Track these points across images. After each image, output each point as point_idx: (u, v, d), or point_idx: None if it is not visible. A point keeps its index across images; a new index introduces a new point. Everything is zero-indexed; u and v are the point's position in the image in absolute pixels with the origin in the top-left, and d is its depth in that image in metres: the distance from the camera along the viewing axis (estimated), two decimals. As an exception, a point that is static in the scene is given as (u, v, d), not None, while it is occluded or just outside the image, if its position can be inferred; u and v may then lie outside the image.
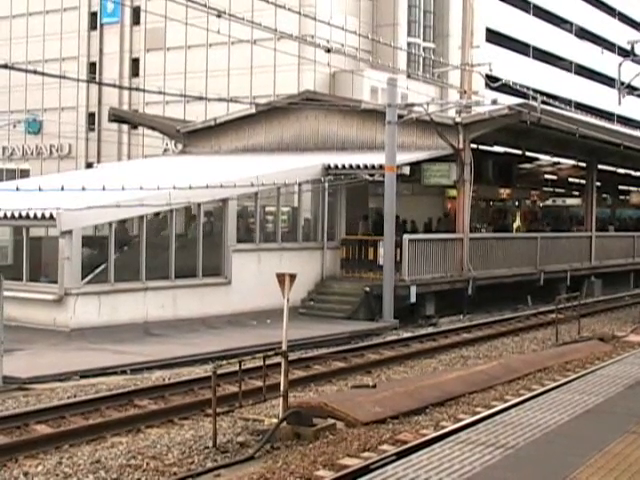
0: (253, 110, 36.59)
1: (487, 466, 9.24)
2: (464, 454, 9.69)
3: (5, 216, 24.32)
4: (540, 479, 8.81)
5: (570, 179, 49.64)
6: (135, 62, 65.29)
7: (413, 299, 29.51)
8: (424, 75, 55.46)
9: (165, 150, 54.32)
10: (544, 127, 32.31)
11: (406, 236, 30.28)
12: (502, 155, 38.55)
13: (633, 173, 46.97)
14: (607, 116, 67.66)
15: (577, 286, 36.63)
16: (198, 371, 19.75)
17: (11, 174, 53.05)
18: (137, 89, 54.92)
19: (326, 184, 29.96)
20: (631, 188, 56.63)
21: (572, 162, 44.83)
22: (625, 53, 40.13)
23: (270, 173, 28.19)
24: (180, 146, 40.06)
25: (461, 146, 31.83)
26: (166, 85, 50.49)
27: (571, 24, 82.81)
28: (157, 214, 26.16)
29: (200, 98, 46.07)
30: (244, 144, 36.95)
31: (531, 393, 16.97)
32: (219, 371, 14.35)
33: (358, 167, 30.37)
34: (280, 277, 14.71)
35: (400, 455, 11.64)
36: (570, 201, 59.80)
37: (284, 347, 14.52)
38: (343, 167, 30.56)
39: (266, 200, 29.90)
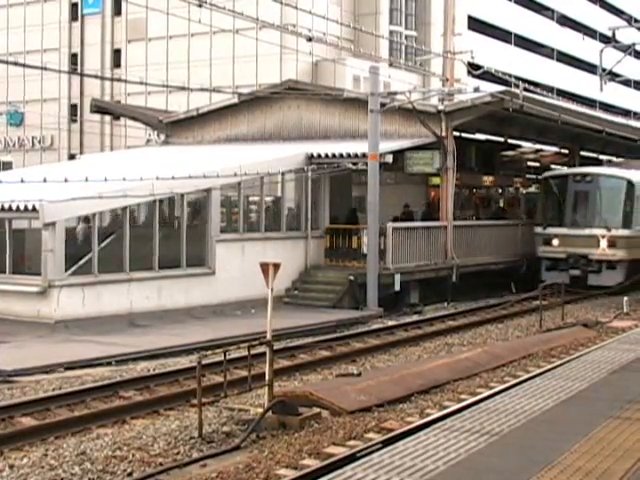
0: (235, 100, 36.54)
1: (472, 453, 9.27)
2: (449, 441, 9.71)
3: (-13, 208, 24.22)
4: (525, 465, 8.84)
5: (553, 166, 49.72)
6: (117, 53, 65.04)
7: (397, 287, 29.56)
8: (406, 63, 55.44)
9: (148, 141, 54.07)
10: (526, 114, 32.37)
11: (390, 224, 30.31)
12: (485, 143, 38.59)
13: (615, 159, 47.01)
14: (589, 103, 67.75)
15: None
16: (183, 361, 19.74)
17: (-7, 166, 52.85)
18: (119, 80, 54.66)
19: (309, 173, 29.98)
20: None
21: (555, 149, 44.91)
22: (606, 40, 40.19)
23: (253, 163, 28.16)
24: (163, 137, 39.96)
25: (444, 134, 31.87)
26: (148, 76, 50.40)
27: (552, 11, 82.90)
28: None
29: (182, 88, 45.95)
30: (227, 134, 36.90)
31: (516, 380, 17.02)
32: (204, 361, 14.35)
33: (341, 156, 30.37)
34: (264, 267, 14.71)
35: (386, 443, 11.68)
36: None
37: (269, 336, 14.53)
38: (326, 156, 30.54)
39: (249, 190, 29.87)
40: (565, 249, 34.16)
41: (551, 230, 34.85)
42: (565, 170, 38.60)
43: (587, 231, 34.01)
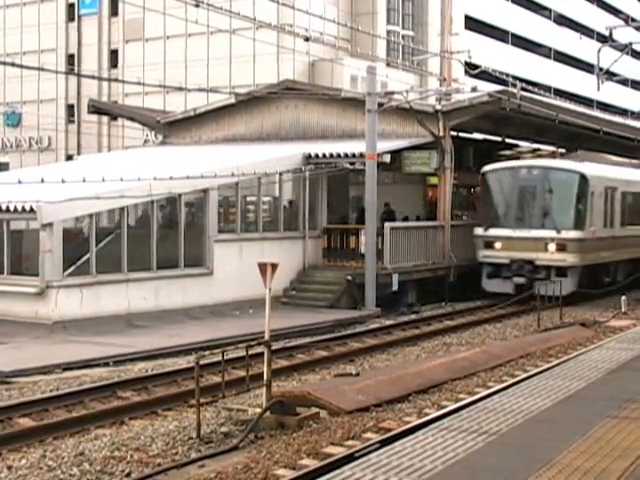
0: (233, 100, 36.55)
1: (470, 452, 9.27)
2: (447, 441, 9.72)
3: (-15, 210, 24.21)
4: (523, 464, 8.84)
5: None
6: (114, 53, 65.01)
7: (395, 287, 29.58)
8: (404, 63, 55.41)
9: (145, 141, 54.14)
10: (524, 114, 32.40)
11: (387, 224, 30.33)
12: (482, 142, 38.60)
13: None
14: (586, 102, 67.76)
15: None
16: (181, 362, 19.74)
17: (-9, 167, 52.82)
18: (116, 80, 54.73)
19: (307, 173, 29.99)
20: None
21: (552, 148, 44.91)
22: (604, 39, 40.23)
23: (251, 163, 28.16)
24: (160, 137, 39.96)
25: (441, 134, 31.90)
26: (145, 76, 50.32)
27: (550, 10, 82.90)
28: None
29: (180, 89, 45.94)
30: (224, 134, 36.90)
31: (513, 379, 17.04)
32: (202, 361, 14.36)
33: (339, 156, 30.38)
34: (262, 267, 14.71)
35: (384, 443, 11.68)
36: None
37: (267, 337, 14.53)
38: (324, 156, 30.56)
39: (247, 190, 29.87)
40: (509, 253, 30.51)
41: (493, 232, 31.03)
42: (509, 163, 33.67)
43: (533, 233, 30.27)
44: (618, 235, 33.42)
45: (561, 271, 29.95)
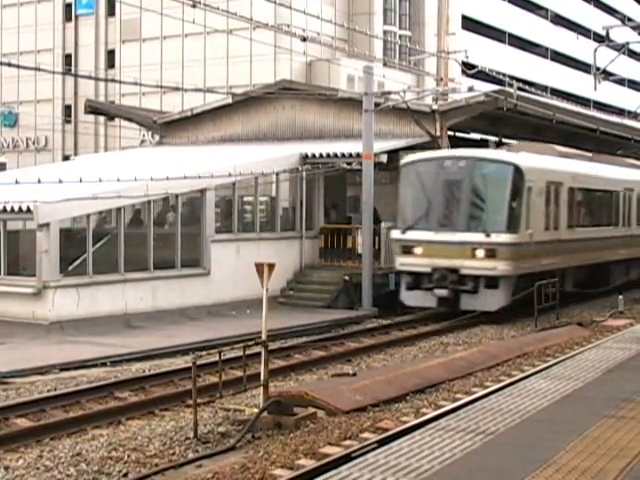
0: (230, 100, 36.55)
1: (467, 452, 9.28)
2: (444, 441, 9.72)
3: (-18, 210, 24.19)
4: (520, 464, 8.85)
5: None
6: (111, 53, 64.94)
7: (392, 287, 29.54)
8: (400, 63, 55.42)
9: (142, 141, 54.12)
10: (521, 113, 32.41)
11: (384, 224, 30.31)
12: (479, 142, 38.59)
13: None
14: (583, 102, 67.73)
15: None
16: (178, 362, 19.73)
17: (-13, 168, 52.73)
18: (113, 80, 54.65)
19: (304, 173, 29.98)
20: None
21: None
22: (600, 39, 40.26)
23: (248, 163, 28.15)
24: (157, 137, 39.96)
25: (438, 133, 31.89)
26: (142, 76, 50.22)
27: (546, 10, 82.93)
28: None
29: (176, 89, 45.90)
30: (221, 134, 36.89)
31: (511, 379, 17.03)
32: (199, 362, 14.37)
33: (335, 156, 30.38)
34: (259, 267, 14.71)
35: (381, 443, 11.68)
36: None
37: (264, 337, 14.52)
38: (320, 156, 30.56)
39: (244, 190, 29.87)
40: (430, 261, 26.07)
41: (412, 235, 26.64)
42: (431, 152, 28.98)
43: (459, 236, 25.78)
44: (565, 238, 29.30)
45: (491, 281, 25.85)
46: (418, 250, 26.34)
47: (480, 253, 25.61)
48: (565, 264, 29.24)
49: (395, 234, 27.35)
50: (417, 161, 27.73)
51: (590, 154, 36.01)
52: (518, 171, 26.33)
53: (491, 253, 25.55)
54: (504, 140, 37.27)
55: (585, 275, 31.59)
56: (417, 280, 26.63)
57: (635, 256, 35.75)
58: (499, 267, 25.67)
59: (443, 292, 25.93)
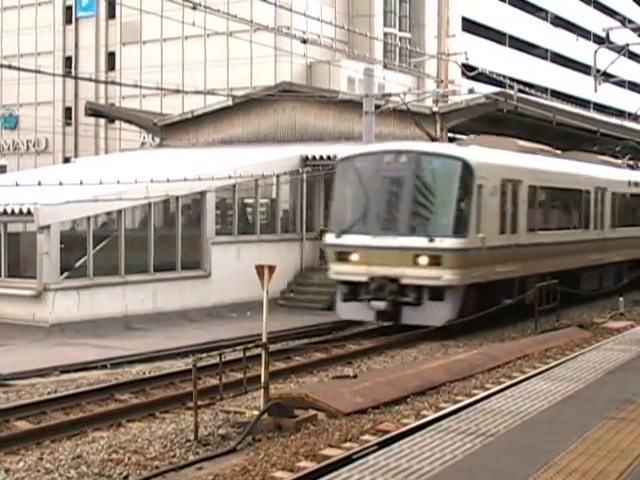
0: (230, 102, 36.59)
1: (468, 454, 9.26)
2: (445, 443, 9.71)
3: (-18, 212, 24.22)
4: (521, 466, 8.84)
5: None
6: (111, 56, 65.01)
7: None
8: (401, 65, 55.51)
9: (143, 144, 54.18)
10: (521, 115, 32.43)
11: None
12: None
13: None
14: (583, 103, 67.76)
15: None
16: (179, 364, 19.72)
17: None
18: (113, 83, 54.65)
19: (304, 175, 29.98)
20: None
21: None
22: (600, 40, 40.31)
23: (248, 165, 28.17)
24: (157, 139, 39.99)
25: (438, 135, 31.90)
26: (142, 78, 50.28)
27: (546, 12, 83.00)
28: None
29: (177, 91, 45.97)
30: (222, 136, 36.91)
31: (511, 381, 17.02)
32: (200, 364, 14.35)
33: (336, 158, 30.33)
34: (259, 269, 14.70)
35: (382, 445, 11.67)
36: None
37: (264, 339, 14.52)
38: (321, 158, 30.58)
39: (244, 192, 29.89)
40: (368, 269, 23.03)
41: (348, 239, 23.71)
42: (370, 146, 26.20)
43: (399, 241, 22.87)
44: (524, 243, 26.22)
45: (436, 292, 22.98)
46: (354, 257, 23.49)
47: (423, 260, 22.73)
48: (525, 272, 26.16)
49: (329, 238, 24.41)
50: (354, 156, 24.83)
51: (559, 151, 33.76)
52: (466, 167, 23.37)
53: (435, 260, 22.64)
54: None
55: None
56: (354, 290, 23.77)
57: (609, 261, 33.02)
58: (445, 276, 22.72)
59: (381, 304, 23.05)
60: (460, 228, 23.06)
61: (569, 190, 30.50)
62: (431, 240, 22.61)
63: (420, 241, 22.73)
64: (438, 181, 23.72)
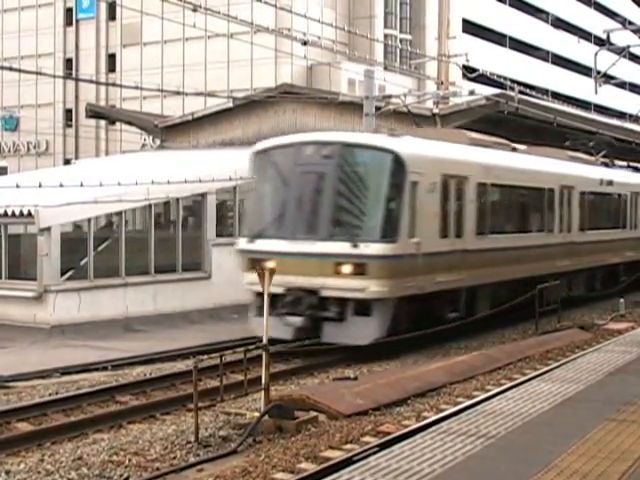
0: (231, 104, 36.59)
1: (469, 456, 9.27)
2: (446, 444, 9.71)
3: (-17, 214, 24.23)
4: (522, 467, 8.84)
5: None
6: (112, 57, 65.13)
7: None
8: (401, 67, 55.53)
9: (143, 145, 54.24)
10: (521, 117, 32.44)
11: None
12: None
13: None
14: (584, 105, 67.85)
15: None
16: (179, 366, 19.71)
17: (-12, 172, 52.82)
18: (114, 84, 54.75)
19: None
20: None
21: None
22: (601, 42, 40.35)
23: (248, 167, 28.13)
24: (158, 141, 40.01)
25: (439, 136, 31.86)
26: (143, 80, 50.31)
27: (547, 14, 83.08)
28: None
29: (177, 93, 45.89)
30: (222, 138, 36.91)
31: (512, 382, 17.02)
32: (200, 365, 14.35)
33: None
34: (260, 270, 14.71)
35: (382, 446, 11.67)
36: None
37: (265, 340, 14.52)
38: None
39: (245, 194, 29.85)
40: (284, 279, 18.96)
41: (262, 245, 20.74)
42: (289, 138, 22.65)
43: (319, 247, 19.86)
44: (472, 249, 23.14)
45: (361, 306, 19.84)
46: (270, 265, 18.76)
47: (346, 269, 19.71)
48: (474, 281, 23.21)
49: (241, 244, 21.58)
50: (270, 148, 21.92)
51: (524, 145, 30.22)
52: (397, 160, 20.32)
53: (360, 269, 19.56)
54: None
55: (508, 294, 25.09)
56: (270, 303, 18.28)
57: (578, 268, 29.91)
58: (371, 287, 19.55)
59: (297, 320, 20.05)
60: (389, 231, 19.99)
61: (528, 188, 27.32)
62: (355, 245, 19.63)
63: (342, 247, 19.74)
64: (364, 177, 20.67)
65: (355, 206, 20.48)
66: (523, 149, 29.37)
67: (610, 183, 33.24)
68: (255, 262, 19.55)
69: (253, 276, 17.89)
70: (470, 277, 22.81)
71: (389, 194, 20.28)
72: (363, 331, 19.44)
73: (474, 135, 26.50)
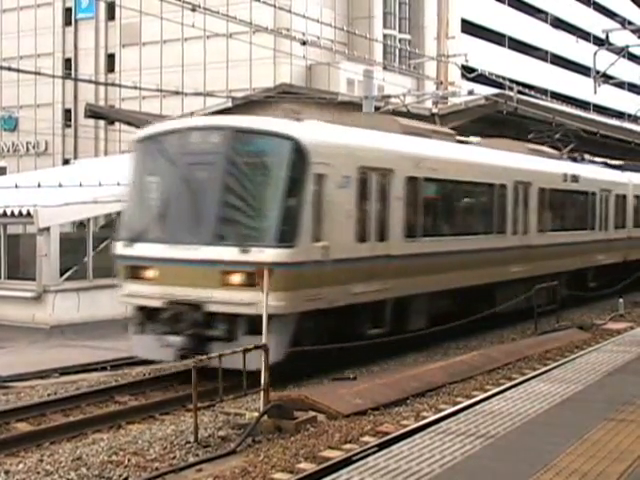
0: (230, 104, 36.57)
1: (468, 456, 9.27)
2: (445, 444, 9.71)
3: (-18, 214, 24.23)
4: (521, 467, 8.84)
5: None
6: (111, 57, 65.13)
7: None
8: (400, 67, 55.53)
9: (142, 145, 54.12)
10: (520, 117, 32.43)
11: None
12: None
13: (609, 161, 47.09)
14: (583, 105, 67.89)
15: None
16: (178, 366, 19.70)
17: (-12, 172, 52.82)
18: (113, 84, 54.76)
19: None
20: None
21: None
22: (600, 42, 40.34)
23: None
24: (157, 141, 39.94)
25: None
26: (142, 80, 50.41)
27: (546, 14, 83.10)
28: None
29: (176, 93, 45.96)
30: (221, 138, 36.85)
31: (511, 382, 17.01)
32: (200, 365, 14.34)
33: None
34: (258, 271, 14.69)
35: (381, 446, 11.67)
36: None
37: (264, 340, 14.51)
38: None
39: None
40: (164, 290, 16.94)
41: (140, 250, 17.54)
42: (173, 122, 20.64)
43: (202, 252, 16.65)
44: (399, 254, 19.75)
45: (254, 324, 15.74)
46: (149, 273, 17.33)
47: (235, 279, 16.55)
48: (403, 292, 19.95)
49: (118, 248, 18.16)
50: (152, 136, 18.60)
51: (478, 138, 28.26)
52: (298, 149, 16.94)
53: (252, 279, 15.74)
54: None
55: (451, 305, 22.62)
56: (150, 319, 17.61)
57: (538, 274, 26.37)
58: (262, 301, 14.69)
59: (177, 340, 16.80)
60: (287, 234, 16.61)
61: (473, 184, 24.01)
62: (245, 251, 16.36)
63: (230, 252, 16.47)
64: (257, 168, 17.37)
65: (247, 204, 17.12)
66: (476, 141, 27.14)
67: (575, 179, 30.03)
68: (133, 270, 17.50)
69: (133, 287, 17.17)
70: (398, 287, 19.59)
71: (287, 189, 16.81)
72: (256, 354, 14.32)
73: (406, 122, 22.96)
